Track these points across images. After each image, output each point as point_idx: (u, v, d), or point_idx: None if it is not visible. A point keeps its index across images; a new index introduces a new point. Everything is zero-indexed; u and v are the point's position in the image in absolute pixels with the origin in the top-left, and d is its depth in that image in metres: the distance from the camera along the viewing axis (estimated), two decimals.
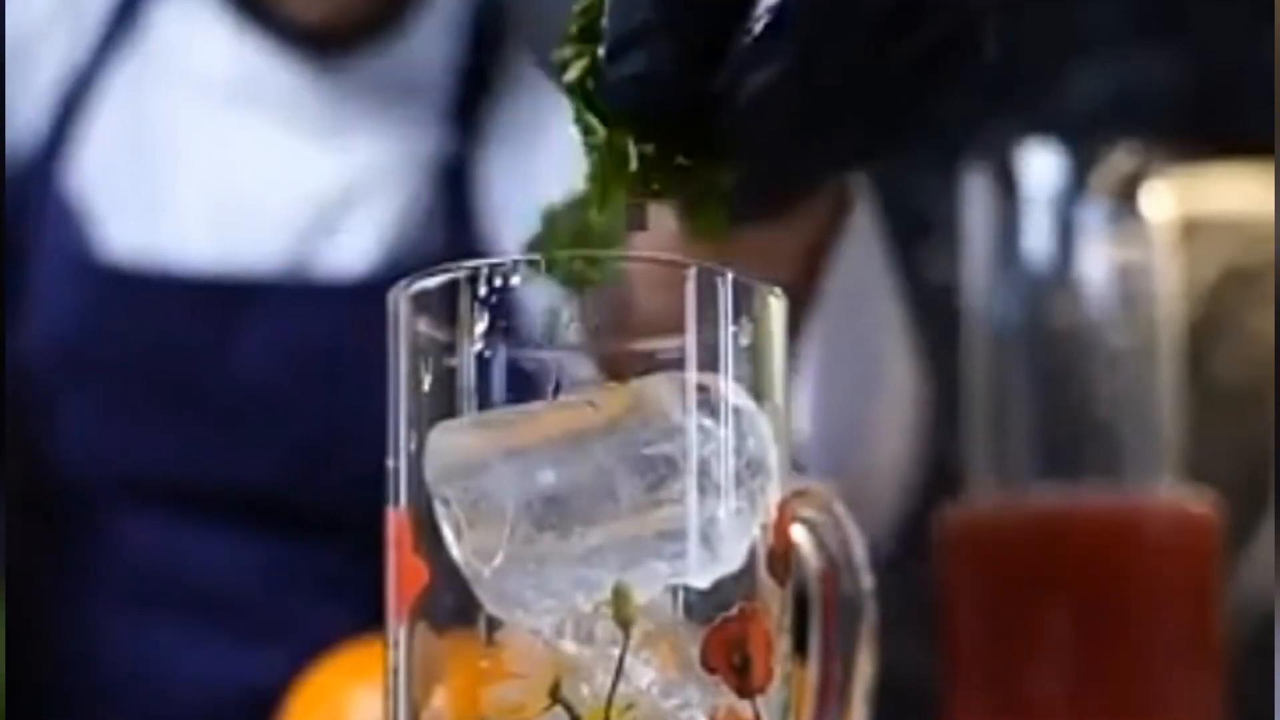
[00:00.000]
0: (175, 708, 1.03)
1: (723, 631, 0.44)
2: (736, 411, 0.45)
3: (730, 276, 0.46)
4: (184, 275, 1.06)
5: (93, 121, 1.09)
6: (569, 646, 0.44)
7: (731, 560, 0.45)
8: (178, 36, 1.10)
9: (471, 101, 1.09)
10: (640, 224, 0.49)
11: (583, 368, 0.46)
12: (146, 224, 1.07)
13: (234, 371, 1.04)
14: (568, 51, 0.49)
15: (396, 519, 0.46)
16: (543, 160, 1.02)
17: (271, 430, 1.04)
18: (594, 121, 0.49)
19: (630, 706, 0.44)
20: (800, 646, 0.48)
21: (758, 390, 0.46)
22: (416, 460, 0.46)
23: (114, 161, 1.08)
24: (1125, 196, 0.86)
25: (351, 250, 1.07)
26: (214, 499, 1.04)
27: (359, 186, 1.08)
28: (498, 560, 0.44)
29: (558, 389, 0.45)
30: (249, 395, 1.04)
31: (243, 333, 1.04)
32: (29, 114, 1.09)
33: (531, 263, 0.46)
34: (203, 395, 1.05)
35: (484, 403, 0.45)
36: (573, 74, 0.49)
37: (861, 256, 0.79)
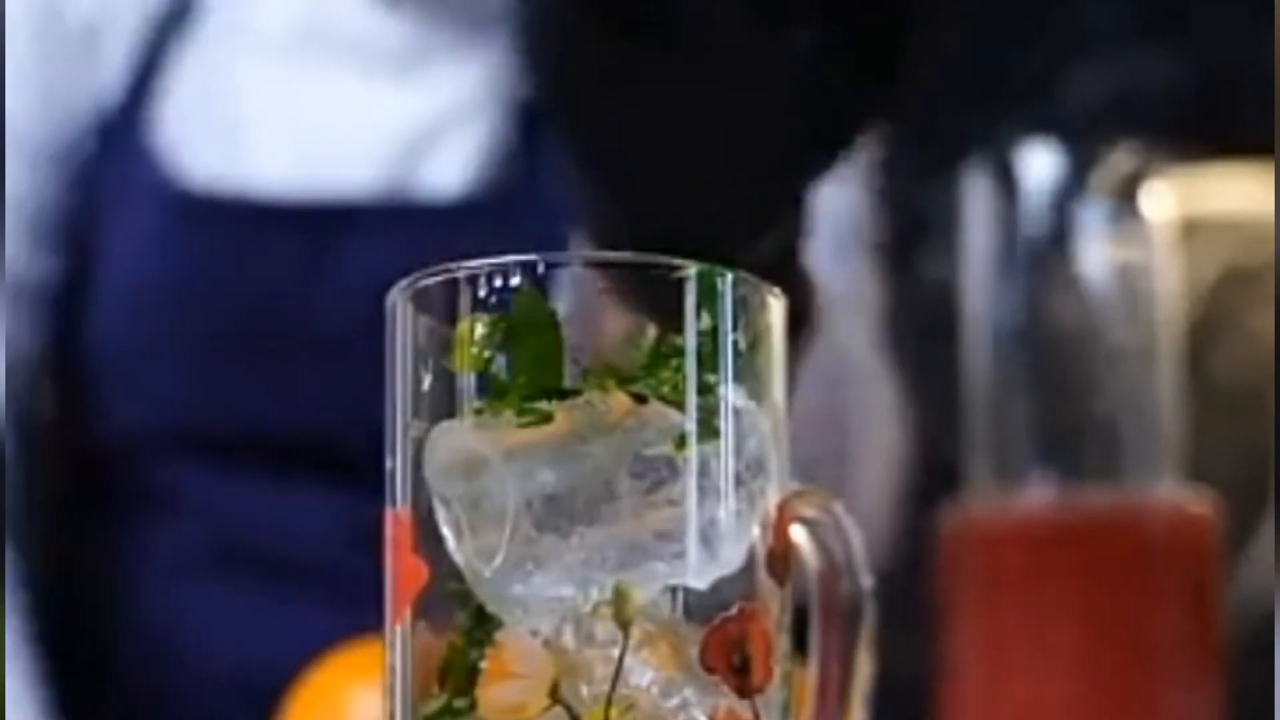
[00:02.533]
0: (250, 668, 1.03)
1: (722, 631, 0.44)
2: (736, 412, 0.45)
3: (730, 276, 0.46)
4: (270, 205, 1.08)
5: (171, 76, 1.11)
6: (569, 646, 0.44)
7: (731, 561, 0.45)
8: None
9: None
10: None
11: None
12: (228, 163, 1.09)
13: (321, 309, 1.05)
14: None
15: (396, 519, 0.46)
16: None
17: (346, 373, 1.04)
18: None
19: (630, 706, 0.44)
20: (800, 646, 0.48)
21: (758, 390, 0.46)
22: (416, 460, 0.46)
23: (193, 113, 1.10)
24: (1125, 196, 0.86)
25: (439, 180, 1.08)
26: (294, 450, 1.04)
27: (438, 124, 1.08)
28: (498, 560, 0.44)
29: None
30: (335, 335, 1.04)
31: (334, 264, 1.05)
32: (113, 64, 1.11)
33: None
34: (287, 335, 1.05)
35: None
36: None
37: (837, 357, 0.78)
